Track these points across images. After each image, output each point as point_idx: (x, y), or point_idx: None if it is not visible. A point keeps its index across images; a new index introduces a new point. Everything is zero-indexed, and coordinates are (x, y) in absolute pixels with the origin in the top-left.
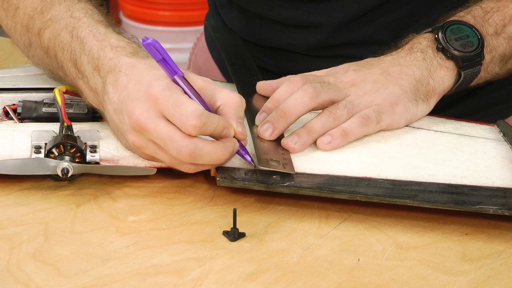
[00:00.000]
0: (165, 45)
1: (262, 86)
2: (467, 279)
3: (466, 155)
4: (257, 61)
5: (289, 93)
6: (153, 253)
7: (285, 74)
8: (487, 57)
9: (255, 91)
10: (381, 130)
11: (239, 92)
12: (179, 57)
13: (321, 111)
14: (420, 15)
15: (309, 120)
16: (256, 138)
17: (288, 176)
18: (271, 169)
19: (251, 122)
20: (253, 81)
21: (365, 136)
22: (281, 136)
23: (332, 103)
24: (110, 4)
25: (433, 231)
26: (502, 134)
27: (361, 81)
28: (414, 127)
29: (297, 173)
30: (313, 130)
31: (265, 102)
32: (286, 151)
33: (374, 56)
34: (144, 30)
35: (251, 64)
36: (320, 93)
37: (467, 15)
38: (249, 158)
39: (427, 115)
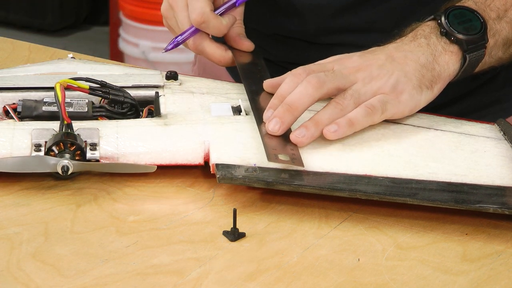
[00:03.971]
0: (165, 45)
1: (269, 84)
2: (467, 279)
3: (466, 154)
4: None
5: (293, 87)
6: (153, 253)
7: (287, 64)
8: (491, 41)
9: (262, 89)
10: (381, 129)
11: (246, 91)
12: (179, 57)
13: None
14: (424, 3)
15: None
16: (264, 135)
17: (292, 174)
18: (280, 164)
19: (259, 120)
20: (261, 78)
21: (365, 133)
22: (289, 133)
23: (339, 90)
24: (110, 4)
25: (433, 231)
26: (502, 133)
27: (366, 66)
28: (414, 126)
29: (300, 171)
30: (320, 122)
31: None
32: (295, 146)
33: (378, 45)
34: (144, 30)
35: (259, 60)
36: (325, 82)
37: (469, 1)
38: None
39: (427, 114)
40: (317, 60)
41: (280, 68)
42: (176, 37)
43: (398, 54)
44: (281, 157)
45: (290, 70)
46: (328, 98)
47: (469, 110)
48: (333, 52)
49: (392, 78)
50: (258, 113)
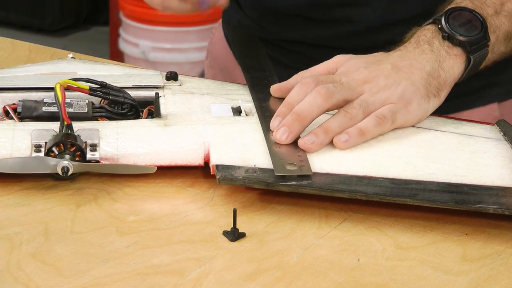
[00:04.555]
0: (165, 45)
1: (277, 89)
2: (467, 279)
3: (466, 154)
4: (258, 31)
5: (302, 96)
6: (153, 253)
7: (284, 43)
8: (492, 37)
9: (269, 95)
10: None
11: (253, 98)
12: (179, 57)
13: (336, 111)
14: None
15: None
16: (272, 145)
17: (292, 175)
18: (289, 174)
19: (266, 128)
20: (268, 84)
21: None
22: (296, 140)
23: (346, 102)
24: (110, 4)
25: (433, 231)
26: (502, 134)
27: (373, 77)
28: (414, 126)
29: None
30: (330, 129)
31: (279, 105)
32: (302, 151)
33: (383, 51)
34: (144, 30)
35: (268, 65)
36: (334, 93)
37: (465, 1)
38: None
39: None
40: (313, 38)
41: (278, 47)
42: None
43: (403, 63)
44: (288, 167)
45: (287, 48)
46: (335, 109)
47: (465, 92)
48: (329, 29)
49: (399, 88)
50: (265, 121)
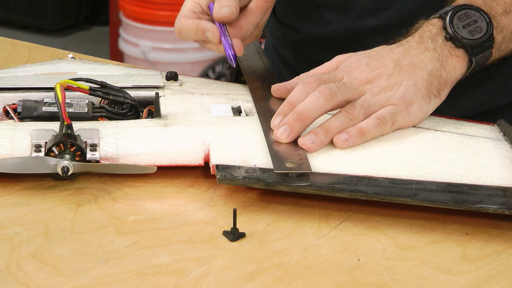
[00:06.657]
0: (165, 45)
1: (277, 88)
2: (467, 279)
3: (466, 154)
4: (285, 36)
5: (304, 96)
6: (153, 253)
7: (308, 46)
8: (498, 37)
9: (269, 95)
10: None
11: (253, 98)
12: (179, 57)
13: (337, 110)
14: None
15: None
16: (272, 144)
17: (292, 175)
18: (288, 172)
19: (266, 127)
20: (269, 84)
21: None
22: (296, 138)
23: (348, 102)
24: (110, 4)
25: (433, 231)
26: (502, 134)
27: (375, 76)
28: (414, 127)
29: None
30: (330, 129)
31: (280, 105)
32: (302, 150)
33: (385, 44)
34: (144, 30)
35: (268, 65)
36: (336, 94)
37: None
38: (229, 52)
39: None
40: (307, 22)
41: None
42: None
43: (405, 61)
44: (288, 164)
45: (310, 56)
46: (336, 109)
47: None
48: (359, 22)
49: (401, 89)
50: (265, 120)
